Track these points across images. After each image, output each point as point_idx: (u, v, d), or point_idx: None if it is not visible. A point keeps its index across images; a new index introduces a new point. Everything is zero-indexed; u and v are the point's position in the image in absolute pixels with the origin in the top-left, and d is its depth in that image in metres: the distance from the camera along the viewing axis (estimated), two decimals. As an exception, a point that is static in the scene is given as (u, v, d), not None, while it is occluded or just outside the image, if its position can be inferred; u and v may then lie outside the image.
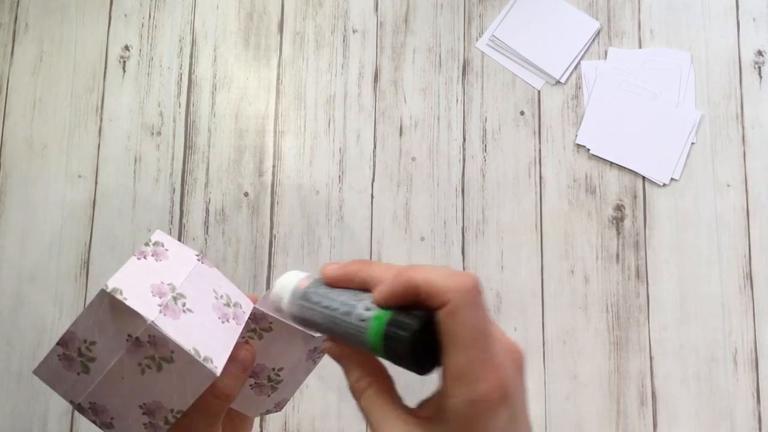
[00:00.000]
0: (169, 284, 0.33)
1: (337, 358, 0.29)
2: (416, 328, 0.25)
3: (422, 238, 0.59)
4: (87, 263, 0.59)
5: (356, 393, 0.28)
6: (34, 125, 0.62)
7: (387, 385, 0.27)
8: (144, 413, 0.33)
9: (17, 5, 0.65)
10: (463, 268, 0.59)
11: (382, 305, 0.27)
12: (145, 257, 0.32)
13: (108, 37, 0.64)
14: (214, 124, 0.62)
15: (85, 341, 0.31)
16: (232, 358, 0.33)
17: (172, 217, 0.60)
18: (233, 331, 0.33)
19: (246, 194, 0.60)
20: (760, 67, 0.61)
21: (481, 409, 0.27)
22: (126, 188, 0.61)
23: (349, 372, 0.28)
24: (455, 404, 0.27)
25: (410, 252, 0.59)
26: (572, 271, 0.58)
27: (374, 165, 0.61)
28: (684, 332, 0.57)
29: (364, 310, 0.26)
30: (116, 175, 0.61)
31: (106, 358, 0.31)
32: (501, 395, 0.27)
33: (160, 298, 0.31)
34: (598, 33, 0.62)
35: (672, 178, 0.59)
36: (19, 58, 0.64)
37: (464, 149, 0.61)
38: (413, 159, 0.61)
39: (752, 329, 0.57)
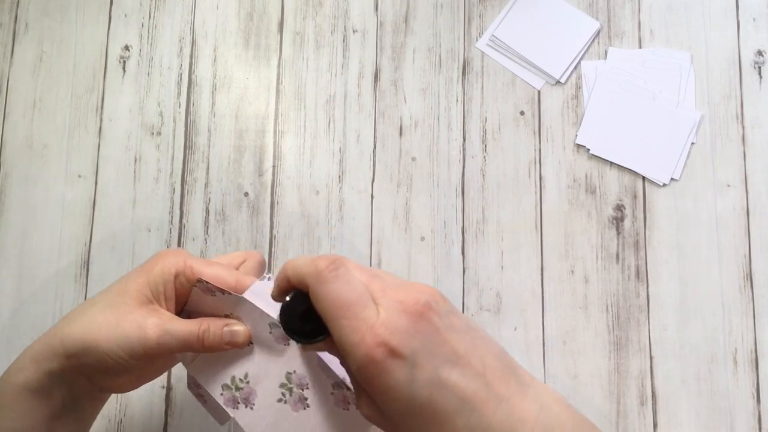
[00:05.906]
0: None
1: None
2: (283, 308, 0.31)
3: (422, 238, 0.59)
4: (87, 263, 0.59)
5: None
6: (34, 125, 0.62)
7: None
8: None
9: (17, 5, 0.65)
10: (463, 269, 0.59)
11: (278, 300, 0.31)
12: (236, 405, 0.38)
13: (108, 37, 0.64)
14: (214, 124, 0.62)
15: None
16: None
17: (172, 217, 0.60)
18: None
19: (246, 194, 0.60)
20: (760, 67, 0.61)
21: (372, 371, 0.28)
22: (126, 188, 0.61)
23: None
24: (355, 373, 0.29)
25: (410, 252, 0.59)
26: (572, 271, 0.58)
27: (374, 165, 0.61)
28: (684, 332, 0.57)
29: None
30: (116, 175, 0.61)
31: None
32: (385, 353, 0.27)
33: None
34: (598, 33, 0.63)
35: (672, 178, 0.59)
36: (19, 58, 0.64)
37: (464, 149, 0.61)
38: (413, 159, 0.61)
39: (752, 329, 0.57)
